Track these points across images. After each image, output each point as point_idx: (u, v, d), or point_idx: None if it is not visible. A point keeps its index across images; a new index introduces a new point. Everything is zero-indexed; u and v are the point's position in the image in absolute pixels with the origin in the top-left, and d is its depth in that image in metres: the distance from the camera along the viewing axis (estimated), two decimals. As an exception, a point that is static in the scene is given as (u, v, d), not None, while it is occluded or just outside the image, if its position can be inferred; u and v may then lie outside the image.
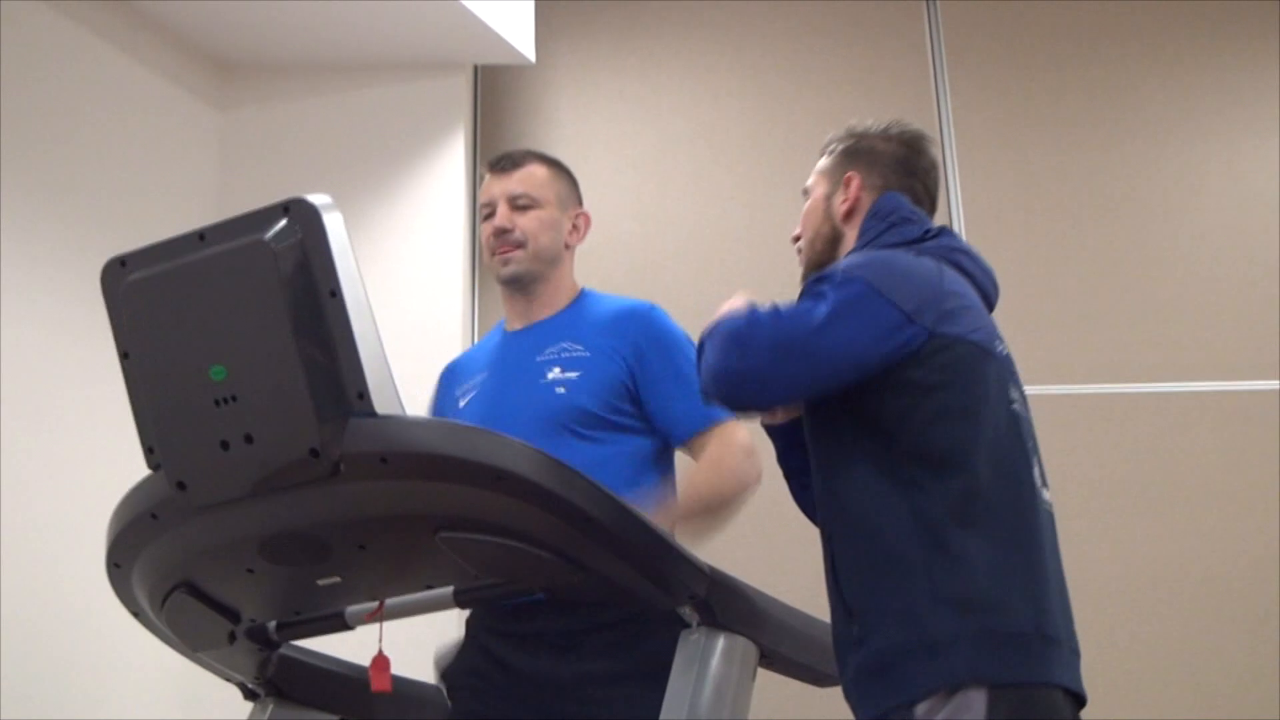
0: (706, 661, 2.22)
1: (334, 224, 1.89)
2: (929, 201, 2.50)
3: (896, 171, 2.46)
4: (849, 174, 2.45)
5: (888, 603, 2.08)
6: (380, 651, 2.32)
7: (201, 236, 1.93)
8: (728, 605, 2.24)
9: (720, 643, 2.24)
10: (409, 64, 4.82)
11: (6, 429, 3.72)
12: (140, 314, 1.95)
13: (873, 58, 5.11)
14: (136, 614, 2.27)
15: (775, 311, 2.18)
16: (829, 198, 2.48)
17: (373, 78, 4.86)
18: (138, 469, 2.01)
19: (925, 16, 5.18)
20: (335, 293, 1.87)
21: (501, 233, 2.92)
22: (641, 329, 2.87)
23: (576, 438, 2.74)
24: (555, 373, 2.81)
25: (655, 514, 2.55)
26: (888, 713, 2.05)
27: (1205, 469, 4.63)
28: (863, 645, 2.11)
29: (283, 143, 4.82)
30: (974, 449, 2.10)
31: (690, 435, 2.82)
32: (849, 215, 2.44)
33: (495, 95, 5.09)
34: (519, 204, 2.94)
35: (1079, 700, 2.12)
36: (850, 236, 2.43)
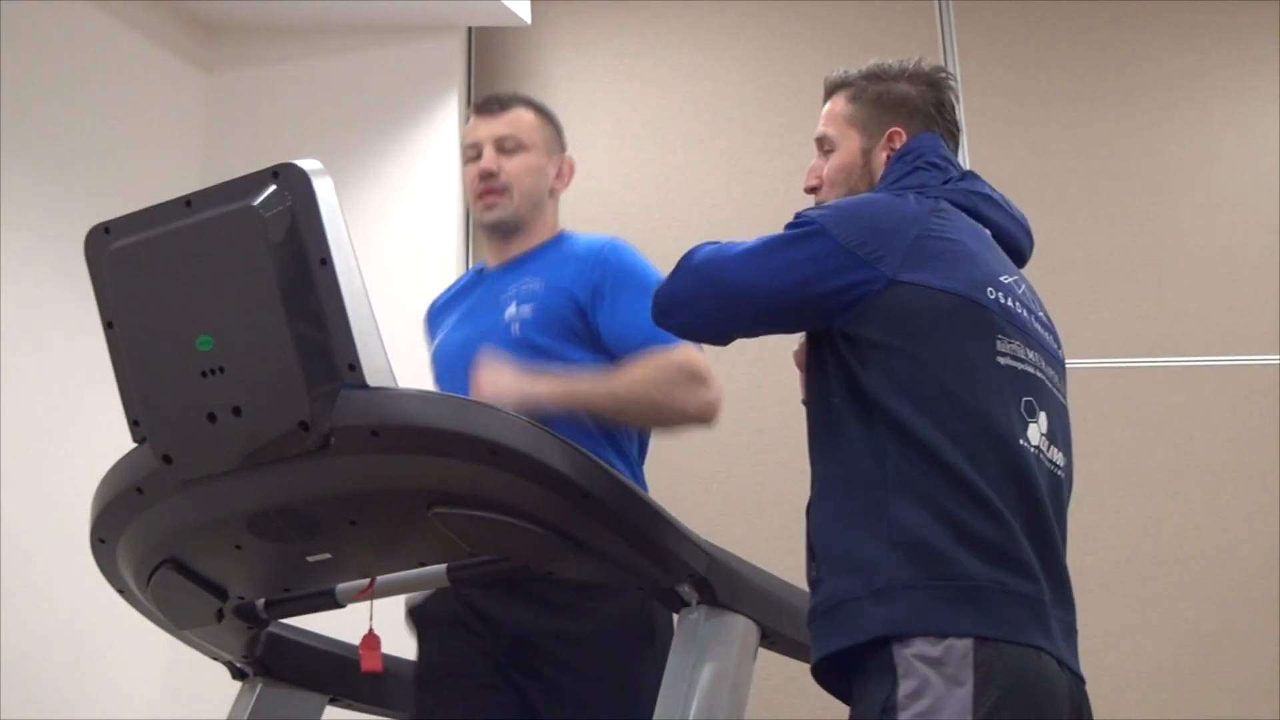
0: (706, 641, 2.19)
1: (324, 190, 1.85)
2: (954, 140, 2.40)
3: (936, 119, 2.36)
4: (894, 129, 2.33)
5: (848, 548, 2.00)
6: (371, 630, 2.29)
7: (188, 203, 1.89)
8: (728, 583, 2.20)
9: (720, 622, 2.21)
10: (401, 25, 4.77)
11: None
12: (125, 282, 1.91)
13: (879, 18, 5.05)
14: (122, 591, 2.24)
15: (721, 243, 2.15)
16: (867, 153, 2.35)
17: (364, 39, 4.80)
18: (124, 442, 1.97)
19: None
20: (326, 261, 1.83)
21: (487, 175, 2.85)
22: (598, 257, 2.79)
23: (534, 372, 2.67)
24: (511, 310, 2.75)
25: (542, 380, 2.56)
26: (841, 651, 1.98)
27: (1223, 443, 4.60)
28: (818, 587, 2.05)
29: (271, 106, 4.77)
30: (944, 407, 2.00)
31: (633, 349, 2.68)
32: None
33: (489, 58, 5.02)
34: (505, 146, 2.87)
35: (1079, 678, 2.06)
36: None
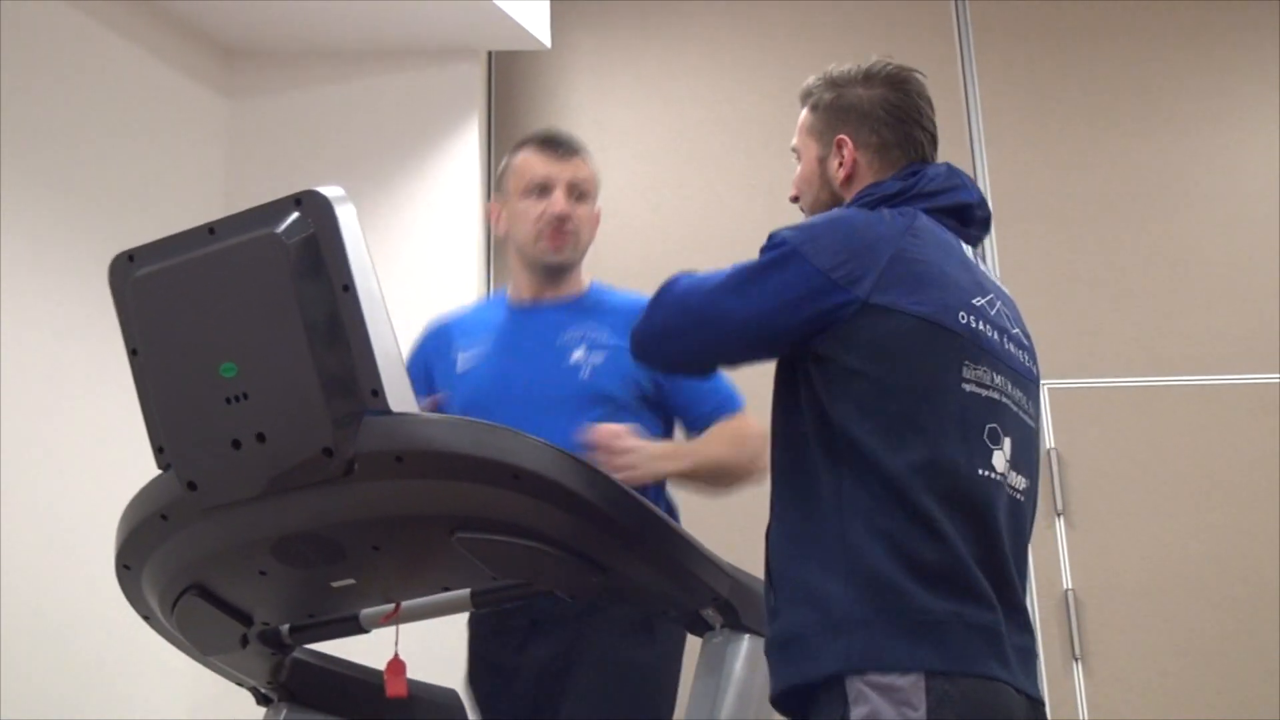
0: (730, 665, 2.20)
1: (347, 217, 1.86)
2: (930, 140, 2.33)
3: (888, 123, 2.27)
4: (840, 137, 2.27)
5: (804, 579, 1.98)
6: (396, 655, 2.29)
7: (211, 230, 1.89)
8: (751, 606, 2.20)
9: (744, 645, 2.22)
10: (422, 50, 4.78)
11: (11, 426, 3.68)
12: (149, 310, 1.91)
13: (898, 45, 5.02)
14: (147, 617, 2.24)
15: (698, 274, 2.13)
16: (823, 161, 2.31)
17: (384, 64, 4.81)
18: (146, 469, 1.97)
19: (953, 6, 5.11)
20: (349, 287, 1.84)
21: (563, 219, 2.87)
22: None
23: (598, 419, 2.67)
24: (580, 354, 2.78)
25: (663, 453, 2.62)
26: (798, 686, 1.96)
27: (1240, 462, 4.57)
28: (776, 617, 2.02)
29: (292, 131, 4.78)
30: (907, 434, 1.96)
31: (711, 421, 2.80)
32: (847, 181, 2.28)
33: (510, 82, 5.04)
34: (578, 192, 2.90)
35: (1038, 702, 2.04)
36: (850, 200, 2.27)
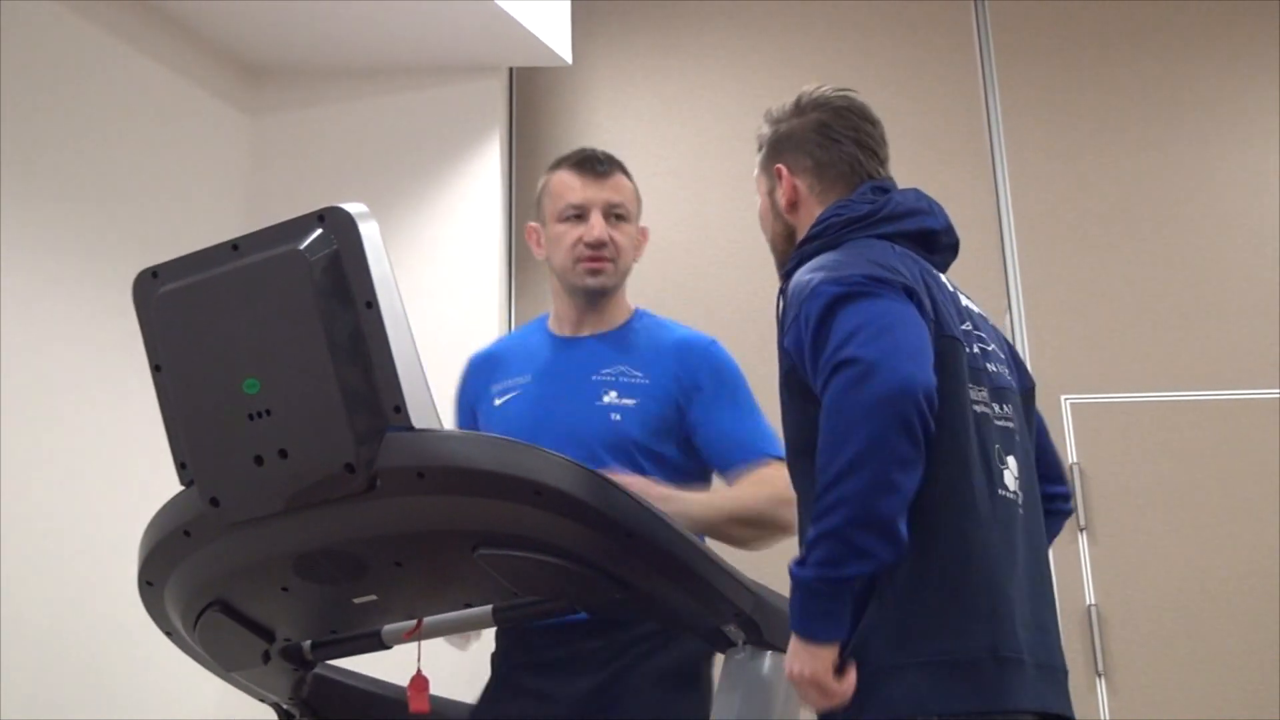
0: (753, 681, 2.18)
1: (370, 233, 1.86)
2: (869, 155, 2.30)
3: (819, 144, 2.29)
4: (777, 166, 2.31)
5: None
6: (419, 671, 2.29)
7: (235, 247, 1.90)
8: (774, 623, 2.18)
9: (766, 662, 2.20)
10: (443, 67, 4.78)
11: (33, 439, 3.69)
12: (172, 326, 1.92)
13: (920, 58, 5.05)
14: (169, 633, 2.25)
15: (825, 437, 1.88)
16: (771, 194, 2.34)
17: (406, 81, 4.82)
18: (170, 484, 1.98)
19: (974, 15, 5.11)
20: (371, 304, 1.84)
21: (600, 245, 2.82)
22: (702, 361, 2.81)
23: (627, 463, 2.66)
24: (611, 396, 2.73)
25: (678, 501, 2.49)
26: None
27: (1263, 477, 4.55)
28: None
29: (314, 148, 4.79)
30: (933, 459, 1.92)
31: (741, 463, 2.71)
32: (792, 207, 2.28)
33: (531, 98, 5.04)
34: (615, 214, 2.86)
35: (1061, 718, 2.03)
36: (802, 225, 2.26)
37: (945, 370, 1.97)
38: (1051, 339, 4.70)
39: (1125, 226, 4.84)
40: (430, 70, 4.79)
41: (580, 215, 2.84)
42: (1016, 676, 1.94)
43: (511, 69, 5.00)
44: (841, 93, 2.36)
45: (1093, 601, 4.40)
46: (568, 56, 4.77)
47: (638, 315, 2.92)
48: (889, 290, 1.96)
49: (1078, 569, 4.44)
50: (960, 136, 4.93)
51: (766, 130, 2.38)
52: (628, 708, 2.56)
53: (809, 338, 1.95)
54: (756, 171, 2.40)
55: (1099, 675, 4.32)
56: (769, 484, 2.61)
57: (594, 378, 2.77)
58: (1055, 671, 2.05)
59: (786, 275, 2.15)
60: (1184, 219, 4.85)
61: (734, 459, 2.71)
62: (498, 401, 2.86)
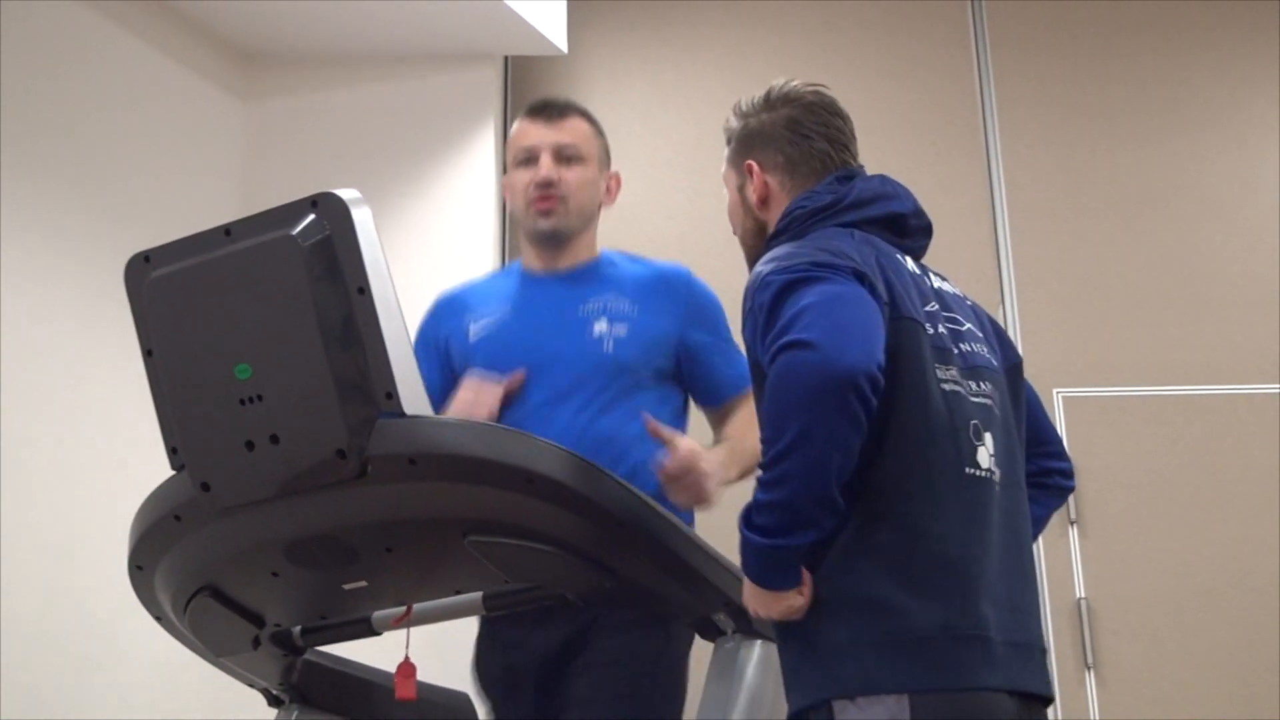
0: (742, 671, 2.19)
1: (363, 219, 1.86)
2: (840, 149, 2.30)
3: (791, 140, 2.28)
4: (748, 163, 2.31)
5: None
6: (406, 658, 2.29)
7: (228, 232, 1.89)
8: (763, 612, 2.18)
9: (756, 651, 2.22)
10: (438, 55, 4.78)
11: (29, 425, 3.69)
12: (164, 311, 1.92)
13: (916, 49, 5.05)
14: (159, 618, 2.25)
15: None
16: (741, 189, 2.34)
17: (401, 69, 4.82)
18: (160, 468, 1.97)
19: (969, 7, 5.11)
20: (364, 290, 1.84)
21: (546, 184, 2.81)
22: (688, 292, 2.84)
23: (620, 392, 2.69)
24: (602, 325, 2.74)
25: (706, 459, 2.48)
26: (793, 715, 1.98)
27: (1254, 472, 4.56)
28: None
29: (308, 135, 4.79)
30: (898, 436, 1.96)
31: (730, 397, 2.79)
32: (763, 203, 2.29)
33: (526, 86, 5.04)
34: (564, 155, 2.84)
35: (1038, 698, 2.02)
36: (773, 221, 2.27)
37: (902, 350, 1.98)
38: (1044, 332, 4.71)
39: (1119, 220, 4.84)
40: (426, 58, 4.79)
41: (532, 159, 2.84)
42: (978, 654, 1.93)
43: (507, 57, 5.00)
44: (812, 87, 2.35)
45: (1083, 595, 4.41)
46: (563, 45, 4.77)
47: (606, 254, 2.93)
48: (837, 274, 1.96)
49: (1068, 563, 4.46)
50: (955, 128, 4.94)
51: (735, 124, 2.38)
52: (597, 647, 2.58)
53: (761, 325, 1.97)
54: (725, 167, 2.41)
55: (1088, 669, 4.33)
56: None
57: (580, 311, 2.76)
58: (1031, 650, 2.04)
59: None
60: (1178, 213, 4.85)
61: (724, 394, 2.79)
62: (474, 338, 2.84)
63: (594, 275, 2.85)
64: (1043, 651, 2.08)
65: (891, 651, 1.89)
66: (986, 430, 2.07)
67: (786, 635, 2.00)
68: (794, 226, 2.18)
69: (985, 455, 2.05)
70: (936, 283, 2.23)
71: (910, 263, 2.20)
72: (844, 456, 1.85)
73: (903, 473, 1.96)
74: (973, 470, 2.01)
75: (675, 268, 2.91)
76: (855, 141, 2.34)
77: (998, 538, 2.03)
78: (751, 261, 2.28)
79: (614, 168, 2.98)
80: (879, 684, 1.88)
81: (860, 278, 1.98)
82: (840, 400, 1.81)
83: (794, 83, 2.35)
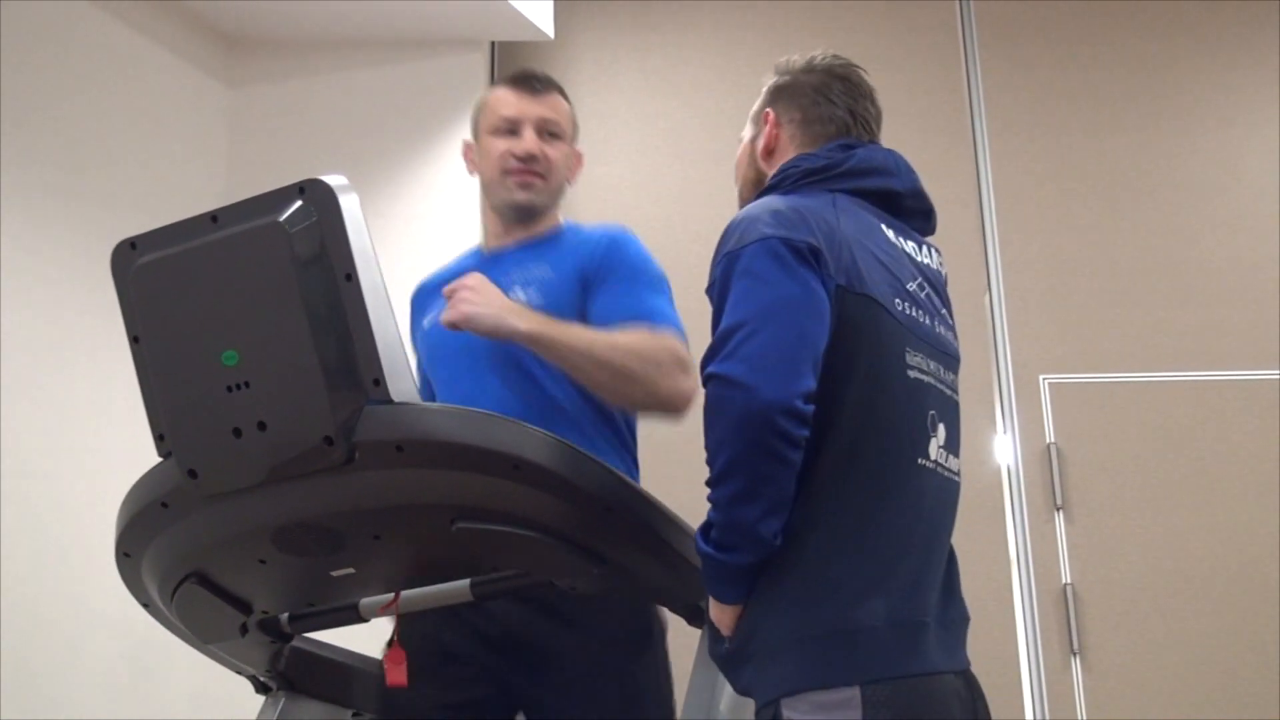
0: (730, 656, 2.17)
1: (350, 206, 1.85)
2: (860, 125, 2.28)
3: (814, 101, 2.27)
4: (766, 111, 2.31)
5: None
6: (396, 644, 2.29)
7: (214, 218, 1.89)
8: (751, 598, 2.18)
9: (743, 637, 2.20)
10: (424, 40, 4.77)
11: (9, 412, 3.68)
12: (151, 297, 1.91)
13: (903, 36, 5.05)
14: (146, 605, 2.24)
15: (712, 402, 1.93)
16: (754, 140, 2.33)
17: (387, 54, 4.81)
18: (146, 456, 1.97)
19: (958, 4, 5.11)
20: (351, 276, 1.84)
21: (530, 158, 2.78)
22: (608, 248, 2.72)
23: (525, 367, 2.60)
24: (518, 294, 2.65)
25: (516, 310, 2.45)
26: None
27: (1239, 458, 4.58)
28: (716, 643, 2.04)
29: (294, 120, 4.78)
30: (848, 424, 1.94)
31: (620, 321, 2.57)
32: (768, 154, 2.29)
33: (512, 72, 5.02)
34: (549, 130, 2.82)
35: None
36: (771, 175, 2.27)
37: (856, 329, 1.97)
38: (1031, 319, 4.72)
39: (1106, 206, 4.85)
40: (412, 43, 4.78)
41: (513, 130, 2.81)
42: (924, 638, 1.94)
43: (493, 43, 4.99)
44: (854, 68, 2.35)
45: (1069, 581, 4.42)
46: (550, 31, 4.76)
47: (563, 226, 2.86)
48: (783, 266, 1.95)
49: (1054, 549, 4.47)
50: (942, 115, 4.94)
51: (772, 80, 2.37)
52: (578, 670, 2.52)
53: (714, 304, 2.01)
54: (749, 119, 2.38)
55: (1074, 654, 4.34)
56: (668, 344, 2.54)
57: (504, 280, 2.65)
58: (961, 625, 2.06)
59: None
60: (1164, 199, 4.86)
61: (615, 316, 2.59)
62: (426, 325, 2.82)
63: (535, 247, 2.78)
64: (966, 621, 2.09)
65: (837, 645, 1.89)
66: (941, 421, 2.07)
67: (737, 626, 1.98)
68: (785, 183, 2.17)
69: (935, 447, 2.05)
70: (925, 259, 2.22)
71: (902, 241, 2.18)
72: (773, 488, 1.88)
73: (849, 460, 1.94)
74: (924, 461, 2.01)
75: (607, 227, 2.81)
76: (879, 127, 2.33)
77: (936, 528, 2.04)
78: None
79: (596, 157, 2.96)
80: (828, 679, 1.87)
81: (813, 255, 1.96)
82: (761, 439, 1.85)
83: (842, 58, 2.35)
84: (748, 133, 2.36)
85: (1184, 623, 4.41)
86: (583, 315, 2.63)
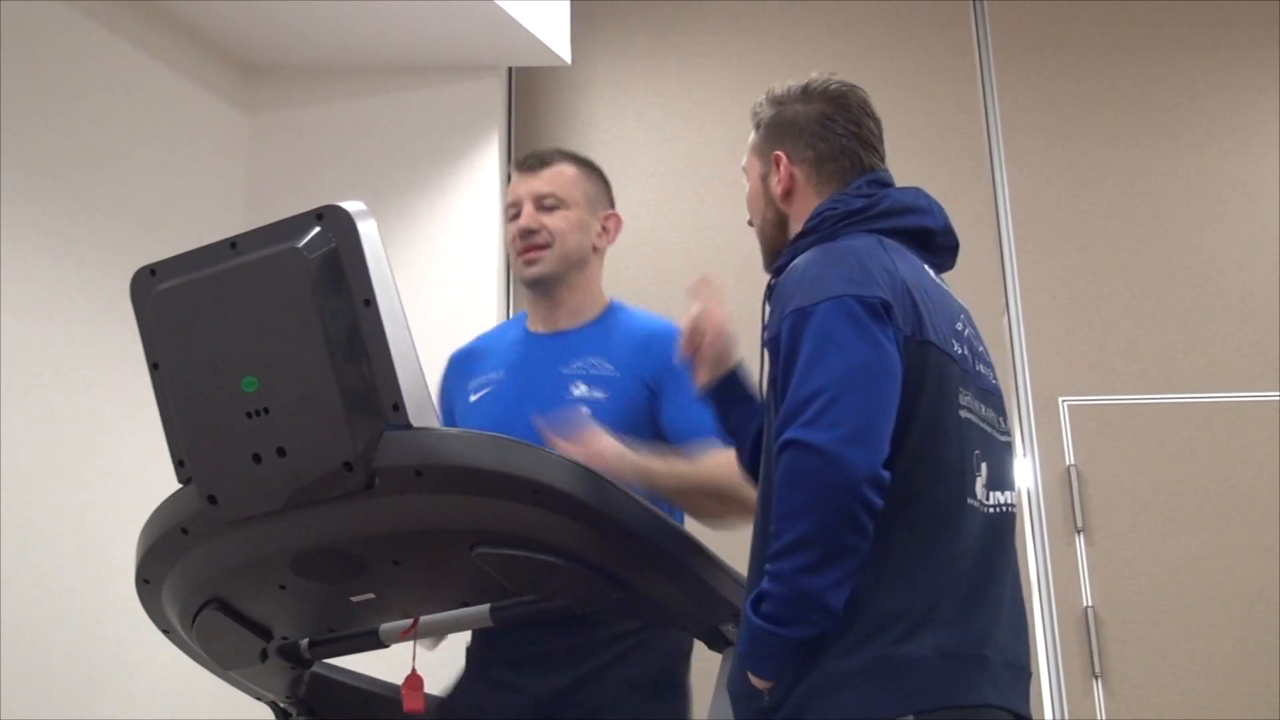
0: (750, 681, 2.16)
1: (368, 231, 1.86)
2: (871, 151, 2.28)
3: (822, 136, 2.26)
4: (776, 153, 2.28)
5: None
6: (414, 670, 2.29)
7: (233, 244, 1.89)
8: (772, 622, 2.18)
9: (763, 663, 2.19)
10: (442, 66, 4.78)
11: (32, 437, 3.69)
12: (170, 324, 1.92)
13: (919, 57, 5.05)
14: (166, 631, 2.25)
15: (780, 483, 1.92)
16: (765, 179, 2.30)
17: (404, 80, 4.82)
18: (167, 482, 1.97)
19: (973, 16, 5.11)
20: (370, 302, 1.84)
21: (527, 233, 2.83)
22: (671, 349, 2.67)
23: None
24: (581, 389, 2.71)
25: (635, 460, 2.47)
26: None
27: (1260, 479, 4.55)
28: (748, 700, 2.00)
29: (312, 147, 4.79)
30: (909, 464, 1.94)
31: (698, 440, 2.65)
32: (787, 196, 2.26)
33: (530, 98, 5.04)
34: (546, 204, 2.84)
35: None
36: (795, 215, 2.25)
37: (924, 380, 1.98)
38: (1049, 341, 4.70)
39: (1123, 228, 4.84)
40: (429, 69, 4.79)
41: (517, 213, 2.87)
42: (978, 672, 1.93)
43: (511, 68, 5.00)
44: (849, 85, 2.34)
45: (1090, 604, 4.40)
46: (567, 56, 4.77)
47: (611, 307, 2.90)
48: (859, 327, 1.93)
49: (1075, 571, 4.45)
50: (959, 137, 4.94)
51: (767, 111, 2.35)
52: (604, 715, 2.55)
53: (780, 367, 1.98)
54: (748, 154, 2.37)
55: (1096, 677, 4.32)
56: (725, 466, 2.54)
57: (563, 371, 2.74)
58: (1023, 671, 2.05)
59: (778, 270, 2.15)
60: (1182, 221, 4.85)
61: (692, 436, 2.66)
62: (473, 398, 2.84)
63: (586, 335, 2.83)
64: (1029, 675, 2.08)
65: (891, 677, 1.88)
66: (984, 460, 2.07)
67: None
68: (824, 228, 2.15)
69: (980, 485, 2.04)
70: (957, 299, 2.23)
71: (940, 279, 2.20)
72: (851, 560, 1.87)
73: (905, 503, 1.94)
74: (972, 501, 2.01)
75: (667, 326, 2.80)
76: (883, 144, 2.32)
77: (982, 561, 2.02)
78: (769, 254, 2.29)
79: (613, 182, 2.96)
80: (884, 711, 1.86)
81: (885, 310, 1.96)
82: (847, 510, 1.84)
83: (833, 79, 2.33)
84: (754, 169, 2.35)
85: (1206, 645, 4.38)
86: (652, 418, 2.71)
